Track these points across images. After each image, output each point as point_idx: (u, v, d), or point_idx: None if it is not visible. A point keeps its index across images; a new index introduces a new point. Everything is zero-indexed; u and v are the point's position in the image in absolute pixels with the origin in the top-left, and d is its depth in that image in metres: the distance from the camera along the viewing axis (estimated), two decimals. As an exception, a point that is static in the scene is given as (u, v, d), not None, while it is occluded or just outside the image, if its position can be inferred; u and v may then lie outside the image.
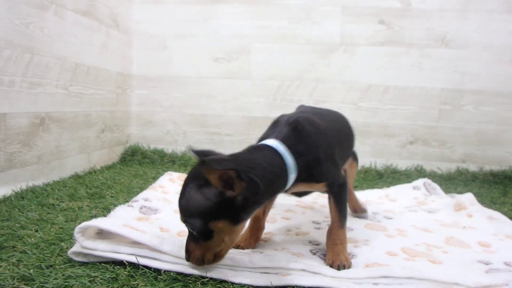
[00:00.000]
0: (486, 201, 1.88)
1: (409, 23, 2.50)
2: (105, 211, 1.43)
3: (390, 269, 0.97)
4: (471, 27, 2.46)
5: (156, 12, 2.67)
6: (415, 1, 2.49)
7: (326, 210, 1.38)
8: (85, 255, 1.00)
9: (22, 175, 1.69)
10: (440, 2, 2.48)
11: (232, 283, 0.93)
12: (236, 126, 2.67)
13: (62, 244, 1.09)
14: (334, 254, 1.06)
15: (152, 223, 1.28)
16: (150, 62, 2.70)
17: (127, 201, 1.50)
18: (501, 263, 1.08)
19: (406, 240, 1.25)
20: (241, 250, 1.12)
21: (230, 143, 2.66)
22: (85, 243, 1.00)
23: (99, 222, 1.03)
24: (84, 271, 0.94)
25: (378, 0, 2.51)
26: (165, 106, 2.72)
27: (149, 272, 0.95)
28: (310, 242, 1.23)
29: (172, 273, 0.95)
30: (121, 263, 0.98)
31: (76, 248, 1.01)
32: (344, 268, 1.01)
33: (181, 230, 1.19)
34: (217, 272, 0.94)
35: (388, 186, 2.09)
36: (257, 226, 1.20)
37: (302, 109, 1.32)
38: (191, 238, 0.94)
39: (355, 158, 1.52)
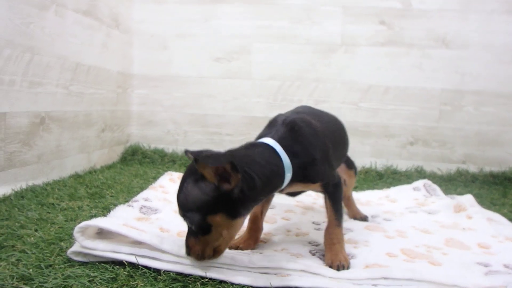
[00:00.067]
0: (486, 202, 1.88)
1: (410, 23, 2.50)
2: (105, 210, 1.43)
3: (390, 270, 0.97)
4: (472, 27, 2.46)
5: (157, 12, 2.67)
6: (415, 2, 2.49)
7: (326, 210, 1.38)
8: (85, 254, 1.00)
9: (22, 175, 1.69)
10: (440, 3, 2.48)
11: (232, 283, 0.93)
12: (236, 126, 2.67)
13: (62, 243, 1.09)
14: (333, 254, 1.07)
15: (152, 223, 1.28)
16: (150, 62, 2.70)
17: (127, 201, 1.50)
18: (500, 265, 1.08)
19: (406, 241, 1.25)
20: (240, 251, 1.12)
21: (231, 143, 2.66)
22: (84, 242, 1.00)
23: (99, 222, 1.04)
24: (83, 271, 0.94)
25: (378, 1, 2.51)
26: (165, 105, 2.72)
27: (148, 272, 0.95)
28: (309, 242, 1.23)
29: (171, 273, 0.95)
30: (120, 263, 0.98)
31: (75, 247, 1.01)
32: (343, 268, 1.02)
33: (181, 230, 1.19)
34: (216, 272, 0.95)
35: (388, 187, 2.09)
36: (256, 227, 1.20)
37: (299, 109, 1.33)
38: (190, 233, 0.95)
39: (353, 167, 1.53)
